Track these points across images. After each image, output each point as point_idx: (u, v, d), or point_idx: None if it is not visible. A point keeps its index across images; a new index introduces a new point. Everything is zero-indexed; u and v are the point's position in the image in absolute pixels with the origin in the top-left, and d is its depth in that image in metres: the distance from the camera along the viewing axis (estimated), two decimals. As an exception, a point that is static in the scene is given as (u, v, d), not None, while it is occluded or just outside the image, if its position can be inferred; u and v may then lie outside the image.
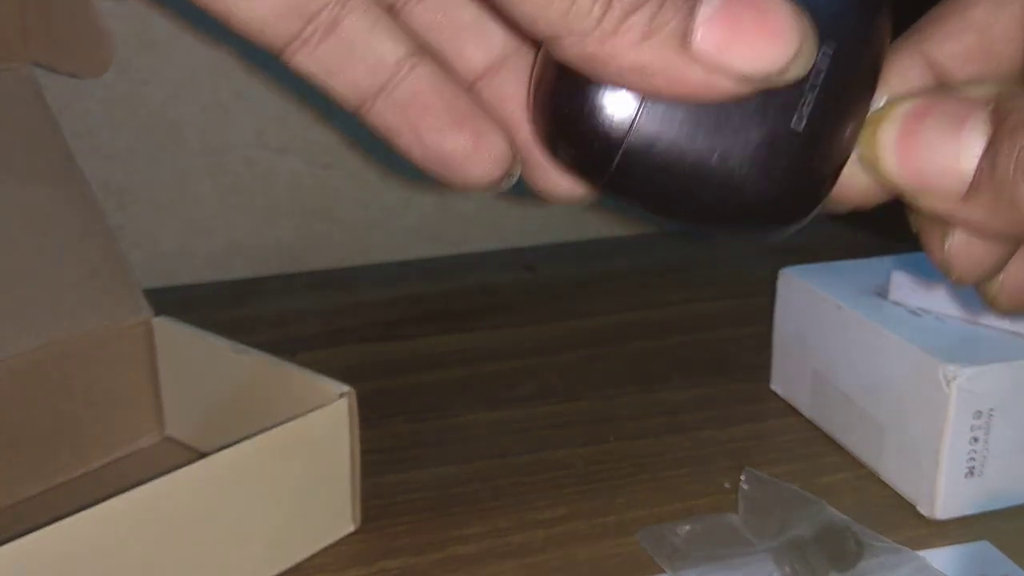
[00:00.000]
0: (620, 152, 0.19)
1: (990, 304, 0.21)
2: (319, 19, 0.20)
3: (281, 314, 0.52)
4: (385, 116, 0.21)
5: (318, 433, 0.31)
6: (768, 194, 0.19)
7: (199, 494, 0.28)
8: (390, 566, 0.31)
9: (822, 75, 0.19)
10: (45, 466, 0.35)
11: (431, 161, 0.21)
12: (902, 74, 0.20)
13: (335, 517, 0.33)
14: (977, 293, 0.21)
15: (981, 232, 0.19)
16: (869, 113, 0.20)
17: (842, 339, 0.37)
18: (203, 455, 0.28)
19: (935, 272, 0.37)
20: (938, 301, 0.36)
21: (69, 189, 0.37)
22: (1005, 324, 0.35)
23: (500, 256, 0.61)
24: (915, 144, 0.19)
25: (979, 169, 0.18)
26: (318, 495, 0.32)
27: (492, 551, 0.32)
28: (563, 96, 0.19)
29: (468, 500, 0.35)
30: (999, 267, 0.20)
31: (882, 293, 0.38)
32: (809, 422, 0.40)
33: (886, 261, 0.40)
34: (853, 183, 0.20)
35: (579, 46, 0.17)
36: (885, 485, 0.35)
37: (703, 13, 0.17)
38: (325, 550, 0.32)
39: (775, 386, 0.42)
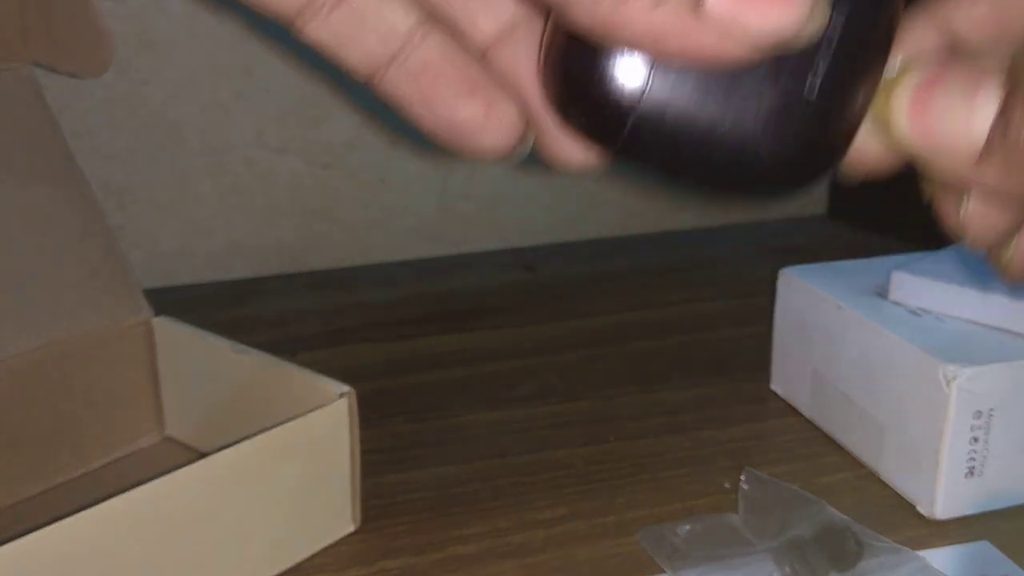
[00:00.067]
0: (632, 118, 0.19)
1: (1002, 272, 0.21)
2: None
3: (281, 314, 0.52)
4: (397, 86, 0.21)
5: (318, 433, 0.31)
6: (780, 159, 0.19)
7: (199, 494, 0.28)
8: (390, 566, 0.31)
9: (835, 39, 0.18)
10: (45, 466, 0.35)
11: (443, 130, 0.21)
12: (916, 39, 0.20)
13: (335, 517, 0.33)
14: (989, 260, 0.21)
15: (994, 196, 0.19)
16: (883, 78, 0.20)
17: (842, 339, 0.37)
18: (203, 455, 0.28)
19: (935, 272, 0.37)
20: (938, 301, 0.36)
21: (69, 189, 0.37)
22: (1005, 324, 0.35)
23: (500, 256, 0.61)
24: (928, 108, 0.19)
25: (992, 133, 0.18)
26: (318, 495, 0.32)
27: (492, 551, 0.32)
28: (574, 63, 0.19)
29: (468, 500, 0.35)
30: (1013, 231, 0.20)
31: (882, 293, 0.38)
32: (809, 422, 0.40)
33: (886, 261, 0.40)
34: (867, 148, 0.20)
35: (590, 12, 0.17)
36: (885, 485, 0.35)
37: None
38: (325, 550, 0.32)
39: (775, 386, 0.42)
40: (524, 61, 0.20)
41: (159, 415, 0.38)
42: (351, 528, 0.33)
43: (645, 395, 0.43)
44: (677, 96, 0.18)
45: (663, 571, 0.31)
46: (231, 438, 0.29)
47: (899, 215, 0.63)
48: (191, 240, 0.57)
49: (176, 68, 0.53)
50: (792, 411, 0.41)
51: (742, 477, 0.34)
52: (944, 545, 0.32)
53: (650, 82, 0.18)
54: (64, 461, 0.36)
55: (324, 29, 0.20)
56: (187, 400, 0.38)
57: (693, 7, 0.17)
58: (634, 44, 0.18)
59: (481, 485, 0.36)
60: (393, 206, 0.60)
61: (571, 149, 0.21)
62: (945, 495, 0.33)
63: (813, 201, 0.69)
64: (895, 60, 0.20)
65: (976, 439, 0.33)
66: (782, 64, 0.18)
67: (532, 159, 0.59)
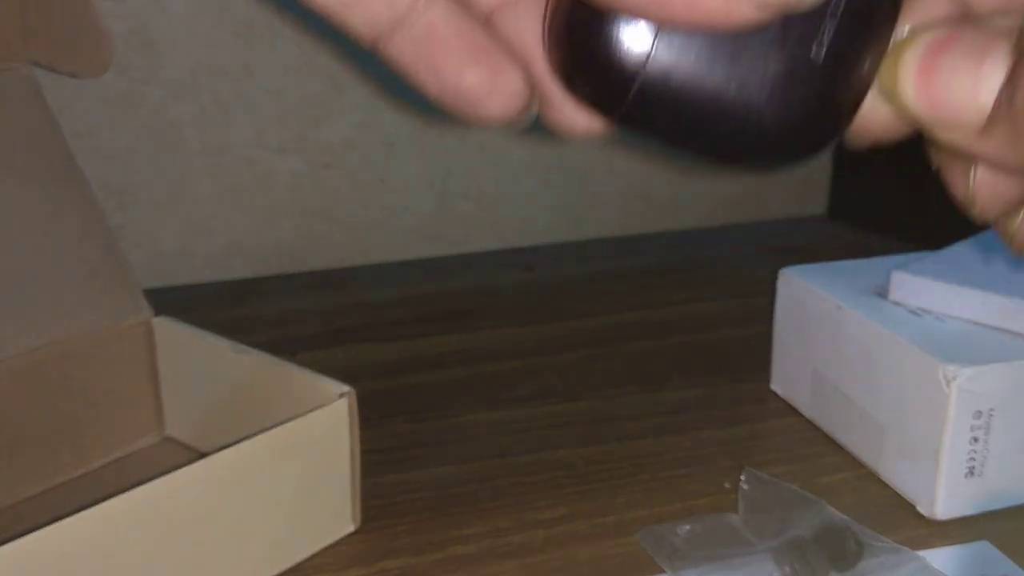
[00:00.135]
0: (636, 83, 0.18)
1: (1009, 243, 0.21)
2: None
3: (281, 314, 0.52)
4: (402, 52, 0.21)
5: (318, 433, 0.31)
6: (787, 125, 0.19)
7: (199, 494, 0.28)
8: (390, 566, 0.31)
9: (843, 3, 0.18)
10: (45, 466, 0.35)
11: (449, 97, 0.20)
12: (926, 7, 0.20)
13: (335, 517, 0.33)
14: (997, 232, 0.21)
15: (998, 166, 0.19)
16: (891, 43, 0.19)
17: (842, 339, 0.37)
18: (203, 455, 0.28)
19: (935, 272, 0.37)
20: (938, 301, 0.36)
21: (69, 189, 0.37)
22: (1005, 324, 0.35)
23: (500, 256, 0.61)
24: (935, 75, 0.18)
25: (998, 102, 0.18)
26: (318, 495, 0.32)
27: (492, 551, 0.32)
28: (578, 27, 0.19)
29: (468, 500, 0.35)
30: (1021, 201, 0.20)
31: (882, 293, 0.38)
32: (809, 422, 0.40)
33: (886, 261, 0.40)
34: (874, 115, 0.20)
35: None
36: (885, 485, 0.35)
37: None
38: (325, 550, 0.32)
39: (775, 386, 0.42)
40: (529, 27, 0.20)
41: (159, 415, 0.38)
42: (351, 528, 0.33)
43: (645, 395, 0.43)
44: (682, 62, 0.18)
45: (663, 571, 0.31)
46: (231, 438, 0.29)
47: (899, 215, 0.63)
48: (191, 240, 0.57)
49: (176, 68, 0.53)
50: (792, 411, 0.41)
51: (742, 477, 0.34)
52: (944, 545, 0.32)
53: (654, 48, 0.18)
54: (64, 461, 0.36)
55: None
56: (187, 400, 0.38)
57: None
58: (639, 9, 0.18)
59: (481, 485, 0.36)
60: (393, 206, 0.60)
61: (576, 116, 0.20)
62: (945, 495, 0.33)
63: (813, 201, 0.69)
64: (904, 25, 0.19)
65: (976, 439, 0.33)
66: (788, 29, 0.18)
67: (531, 160, 0.59)
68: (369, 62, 0.56)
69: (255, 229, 0.58)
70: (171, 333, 0.37)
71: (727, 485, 0.35)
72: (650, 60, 0.18)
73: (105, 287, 0.37)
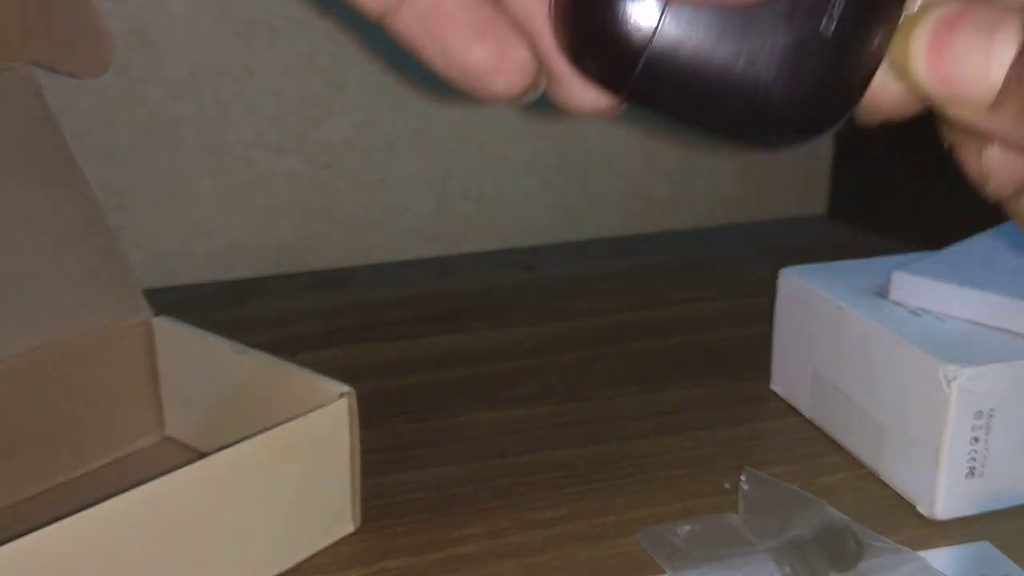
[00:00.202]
0: (643, 59, 0.18)
1: (1020, 221, 0.21)
2: None
3: (281, 314, 0.52)
4: (408, 26, 0.20)
5: (318, 433, 0.31)
6: (796, 100, 0.19)
7: (199, 494, 0.28)
8: (390, 566, 0.31)
9: None
10: (45, 466, 0.35)
11: (455, 72, 0.20)
12: None
13: (335, 517, 0.33)
14: (1007, 211, 0.21)
15: (1008, 143, 0.19)
16: (902, 18, 0.19)
17: (842, 339, 0.37)
18: (203, 455, 0.28)
19: (935, 272, 0.37)
20: (938, 301, 0.36)
21: (69, 189, 0.37)
22: (1005, 324, 0.35)
23: (500, 256, 0.61)
24: (946, 50, 0.18)
25: (1008, 78, 0.18)
26: (318, 495, 0.32)
27: (492, 551, 0.32)
28: (584, 2, 0.19)
29: (468, 500, 0.35)
30: None
31: (882, 293, 0.38)
32: (809, 422, 0.40)
33: (886, 261, 0.40)
34: (885, 91, 0.19)
35: None
36: (885, 485, 0.35)
37: None
38: (325, 550, 0.32)
39: (775, 386, 0.42)
40: (536, 2, 0.20)
41: (159, 415, 0.38)
42: (351, 528, 0.33)
43: (645, 395, 0.43)
44: (689, 36, 0.18)
45: (663, 571, 0.31)
46: (231, 438, 0.29)
47: (899, 215, 0.63)
48: (191, 240, 0.57)
49: (176, 68, 0.53)
50: (792, 411, 0.41)
51: (742, 477, 0.34)
52: (944, 545, 0.32)
53: (661, 22, 0.18)
54: (64, 461, 0.36)
55: None
56: (187, 400, 0.38)
57: None
58: None
59: (481, 485, 0.36)
60: (393, 206, 0.60)
61: (583, 93, 0.20)
62: (945, 495, 0.33)
63: (813, 201, 0.69)
64: (915, 2, 0.19)
65: (976, 439, 0.33)
66: (797, 2, 0.18)
67: (531, 160, 0.59)
68: (370, 61, 0.56)
69: (255, 229, 0.58)
70: (171, 333, 0.37)
71: (727, 485, 0.35)
72: (657, 35, 0.18)
73: (105, 287, 0.37)
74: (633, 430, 0.40)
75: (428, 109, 0.59)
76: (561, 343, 0.48)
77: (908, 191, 0.62)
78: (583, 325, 0.51)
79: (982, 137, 0.19)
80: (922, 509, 0.34)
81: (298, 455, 0.30)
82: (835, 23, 0.18)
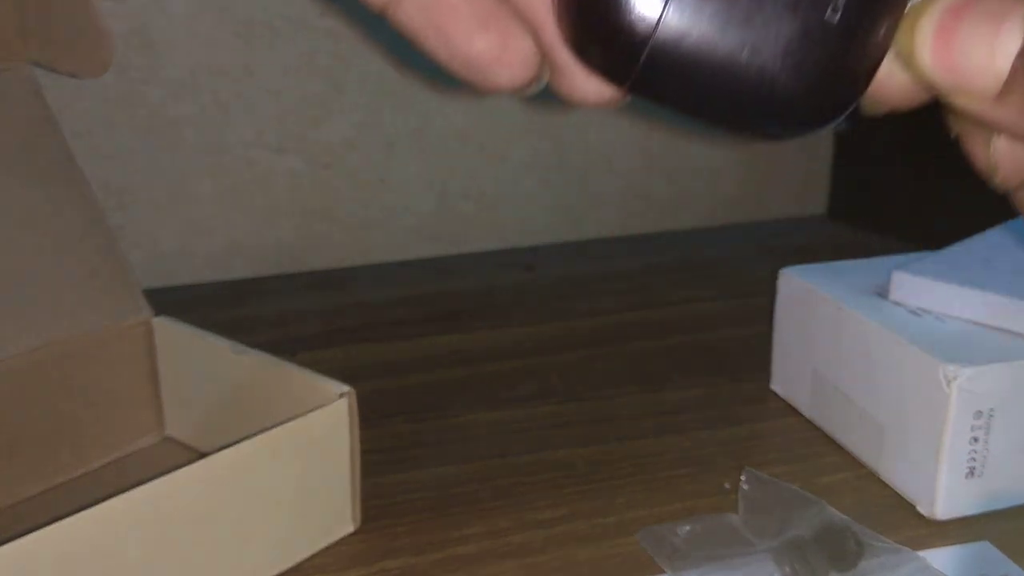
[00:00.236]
0: (647, 48, 0.18)
1: None
2: None
3: (281, 314, 0.52)
4: (411, 17, 0.20)
5: (318, 433, 0.31)
6: (801, 90, 0.18)
7: (199, 494, 0.28)
8: (390, 566, 0.31)
9: None
10: (45, 466, 0.35)
11: (458, 64, 0.20)
12: None
13: (335, 517, 0.33)
14: (1014, 202, 0.21)
15: (1014, 133, 0.19)
16: (907, 6, 0.19)
17: (842, 339, 0.37)
18: (203, 455, 0.28)
19: (935, 272, 0.37)
20: (938, 301, 0.36)
21: (69, 189, 0.37)
22: (1005, 324, 0.35)
23: (500, 256, 0.61)
24: (952, 40, 0.18)
25: (1014, 68, 0.17)
26: (318, 495, 0.32)
27: (492, 551, 0.32)
28: None
29: (468, 500, 0.35)
30: None
31: (882, 293, 0.38)
32: (809, 422, 0.40)
33: (886, 261, 0.40)
34: (891, 81, 0.19)
35: None
36: (885, 485, 0.35)
37: None
38: (325, 550, 0.32)
39: (775, 386, 0.42)
40: None
41: (159, 415, 0.38)
42: (351, 528, 0.33)
43: (645, 395, 0.43)
44: (693, 25, 0.18)
45: (663, 571, 0.31)
46: (231, 438, 0.29)
47: (899, 215, 0.63)
48: (191, 240, 0.57)
49: (176, 68, 0.53)
50: (792, 411, 0.41)
51: (742, 477, 0.34)
52: (944, 545, 0.32)
53: (665, 12, 0.18)
54: (64, 461, 0.36)
55: None
56: (187, 400, 0.38)
57: None
58: None
59: (481, 485, 0.36)
60: (393, 206, 0.60)
61: (587, 85, 0.20)
62: (945, 495, 0.33)
63: (813, 201, 0.69)
64: None
65: (976, 439, 0.33)
66: None
67: (531, 160, 0.59)
68: (370, 61, 0.56)
69: (255, 229, 0.58)
70: (171, 333, 0.37)
71: (727, 485, 0.35)
72: (661, 25, 0.18)
73: (105, 287, 0.37)
74: (633, 430, 0.40)
75: (428, 109, 0.59)
76: (561, 343, 0.48)
77: (908, 191, 0.62)
78: (583, 325, 0.51)
79: (989, 127, 0.19)
80: (922, 509, 0.34)
81: (298, 455, 0.30)
82: (840, 12, 0.18)
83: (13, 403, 0.34)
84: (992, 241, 0.40)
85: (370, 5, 0.20)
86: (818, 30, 0.18)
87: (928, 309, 0.36)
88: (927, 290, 0.36)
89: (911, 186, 0.62)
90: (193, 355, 0.37)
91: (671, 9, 0.18)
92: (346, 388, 0.32)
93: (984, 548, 0.32)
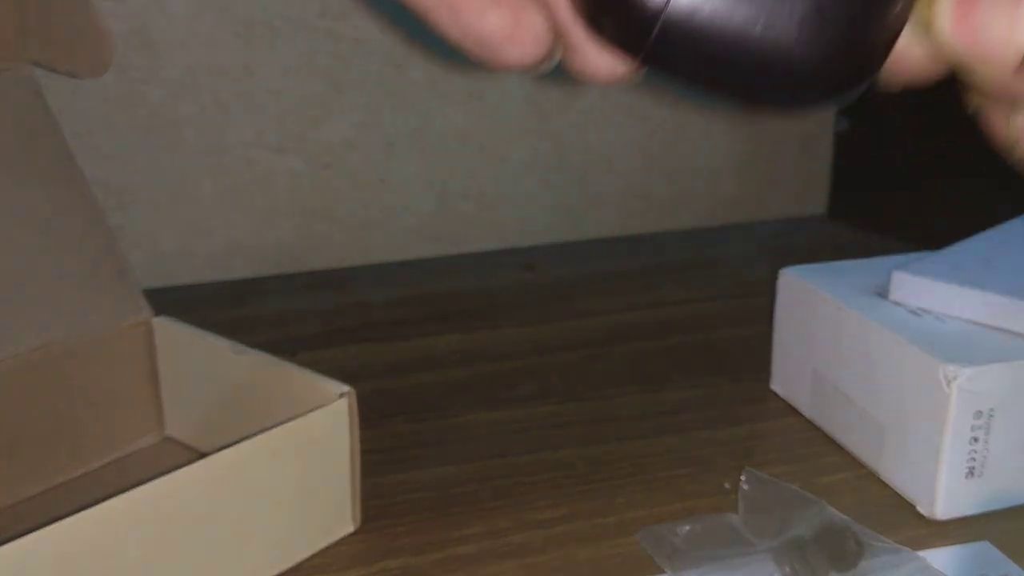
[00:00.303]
0: (660, 21, 0.18)
1: None
2: None
3: (281, 314, 0.52)
4: None
5: (318, 433, 0.31)
6: (816, 64, 0.18)
7: (199, 494, 0.28)
8: (390, 566, 0.31)
9: None
10: (45, 466, 0.35)
11: (469, 41, 0.20)
12: None
13: (335, 517, 0.33)
14: None
15: None
16: None
17: (842, 339, 0.37)
18: (203, 455, 0.28)
19: (935, 272, 0.37)
20: (938, 301, 0.36)
21: (69, 189, 0.37)
22: (1005, 324, 0.35)
23: (500, 256, 0.61)
24: (972, 11, 0.18)
25: None
26: (318, 495, 0.32)
27: (492, 551, 0.32)
28: None
29: (468, 500, 0.35)
30: None
31: (882, 293, 0.38)
32: (809, 422, 0.40)
33: (886, 261, 0.40)
34: (908, 54, 0.19)
35: None
36: (885, 485, 0.35)
37: None
38: (325, 550, 0.32)
39: (775, 386, 0.42)
40: None
41: (159, 415, 0.38)
42: (351, 528, 0.33)
43: (645, 395, 0.43)
44: None
45: (663, 571, 0.31)
46: (231, 438, 0.29)
47: (899, 215, 0.63)
48: (191, 240, 0.57)
49: (176, 68, 0.53)
50: (792, 411, 0.41)
51: (742, 477, 0.34)
52: (944, 545, 0.32)
53: None
54: (64, 461, 0.36)
55: None
56: (187, 400, 0.38)
57: None
58: None
59: (481, 485, 0.36)
60: (393, 206, 0.60)
61: (599, 60, 0.20)
62: (945, 495, 0.33)
63: (813, 201, 0.69)
64: None
65: (976, 439, 0.33)
66: None
67: (531, 160, 0.59)
68: (370, 61, 0.56)
69: (255, 229, 0.58)
70: (171, 333, 0.37)
71: (727, 485, 0.35)
72: None
73: (105, 287, 0.37)
74: (633, 430, 0.40)
75: (428, 109, 0.59)
76: (561, 343, 0.48)
77: (908, 191, 0.62)
78: (583, 325, 0.51)
79: (1009, 100, 0.19)
80: (922, 509, 0.34)
81: (298, 455, 0.30)
82: None
83: (13, 403, 0.34)
84: (992, 241, 0.40)
85: None
86: (834, 2, 0.18)
87: (928, 309, 0.36)
88: (927, 290, 0.36)
89: (911, 186, 0.62)
90: (193, 355, 0.37)
91: None
92: (346, 388, 0.32)
93: (984, 548, 0.32)
